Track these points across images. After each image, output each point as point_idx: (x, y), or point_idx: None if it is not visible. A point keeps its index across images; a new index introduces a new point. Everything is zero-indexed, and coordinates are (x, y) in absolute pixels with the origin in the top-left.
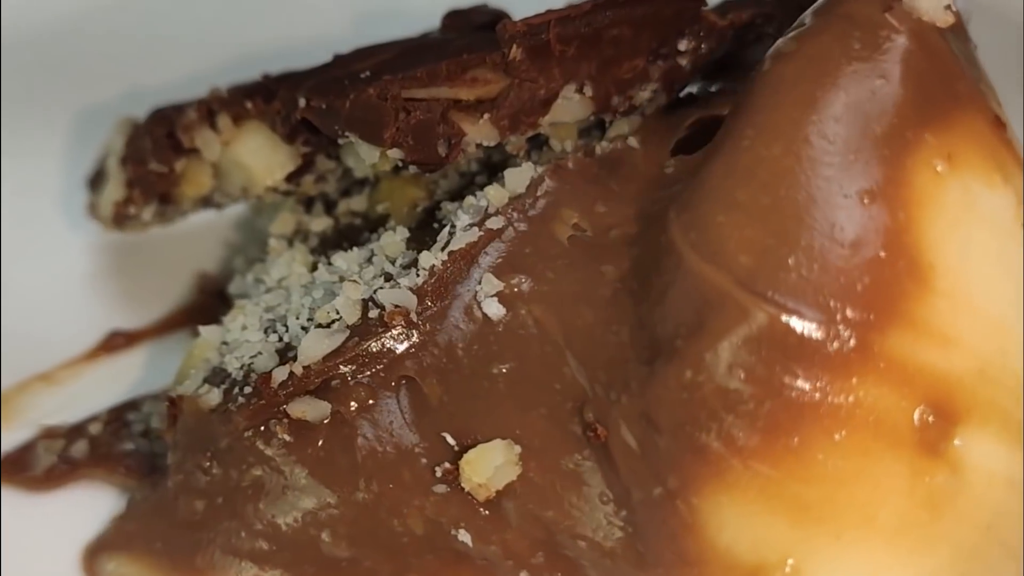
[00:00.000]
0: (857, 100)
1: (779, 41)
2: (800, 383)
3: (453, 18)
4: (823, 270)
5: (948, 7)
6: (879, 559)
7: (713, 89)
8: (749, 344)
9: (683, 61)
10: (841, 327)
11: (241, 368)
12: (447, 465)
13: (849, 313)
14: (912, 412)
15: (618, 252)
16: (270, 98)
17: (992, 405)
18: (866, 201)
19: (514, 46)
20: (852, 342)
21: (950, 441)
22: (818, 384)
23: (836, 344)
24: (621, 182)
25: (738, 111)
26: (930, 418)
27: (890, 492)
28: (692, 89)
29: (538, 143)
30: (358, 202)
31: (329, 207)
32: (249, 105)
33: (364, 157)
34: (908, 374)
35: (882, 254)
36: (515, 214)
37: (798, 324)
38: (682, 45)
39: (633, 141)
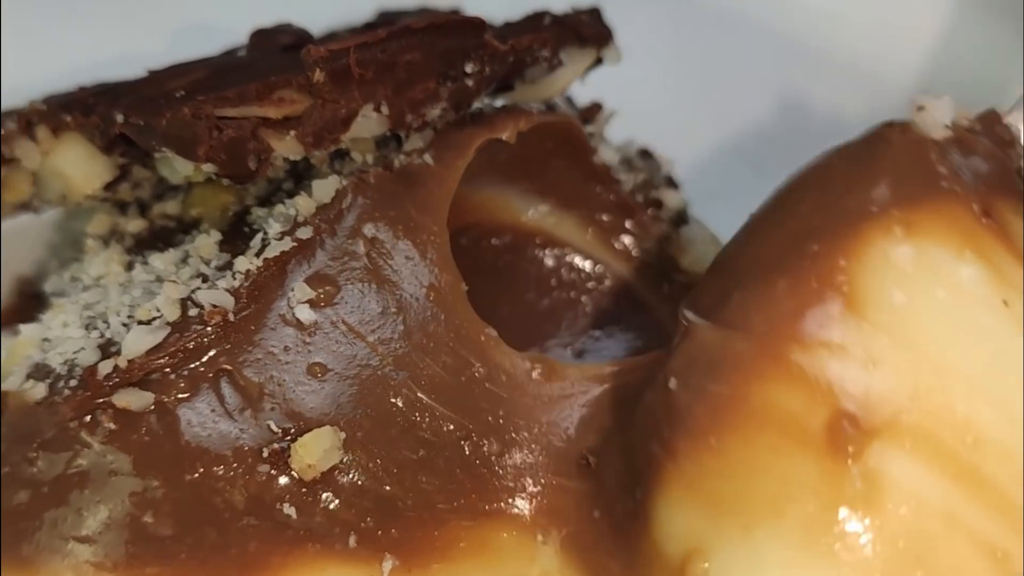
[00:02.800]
0: (839, 186)
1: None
2: (720, 388)
3: (259, 37)
4: (759, 299)
5: (946, 127)
6: (789, 556)
7: (497, 105)
8: (687, 358)
9: (469, 82)
10: (762, 339)
11: (65, 363)
12: (275, 446)
13: (771, 329)
14: (823, 418)
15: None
16: (88, 112)
17: (924, 433)
18: (814, 249)
19: (317, 70)
20: (769, 352)
21: (865, 453)
22: (736, 388)
23: (754, 353)
24: (418, 207)
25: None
26: (846, 426)
27: (798, 489)
28: (479, 105)
29: (340, 154)
30: (171, 206)
31: (143, 210)
32: (68, 118)
33: (179, 169)
34: (821, 384)
35: (814, 285)
36: (323, 224)
37: (724, 337)
38: (468, 68)
39: (428, 157)
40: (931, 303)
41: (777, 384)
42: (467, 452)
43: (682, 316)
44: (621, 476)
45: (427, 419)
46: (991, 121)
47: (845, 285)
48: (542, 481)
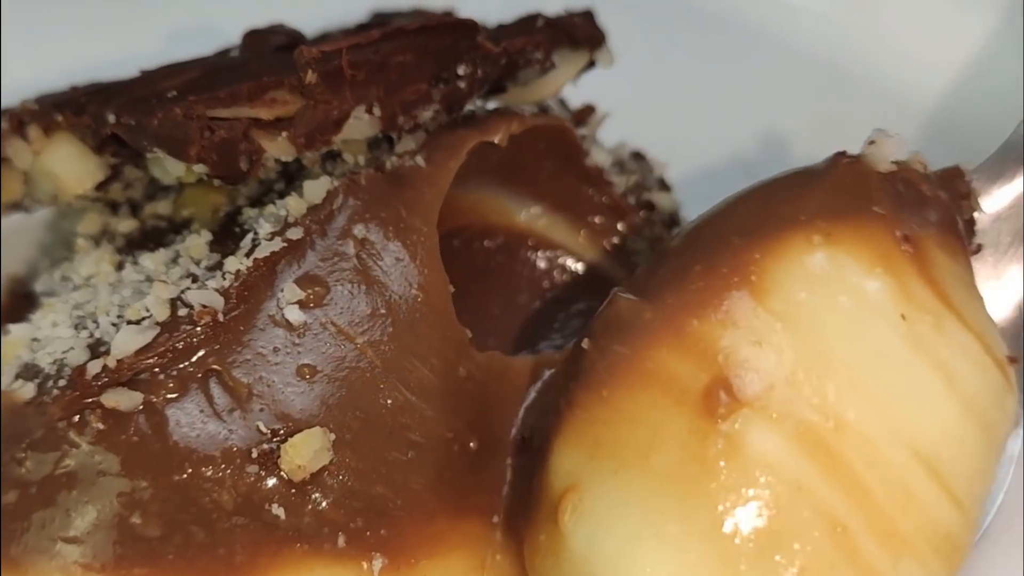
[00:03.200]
0: (779, 195)
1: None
2: (622, 348)
3: (252, 38)
4: (675, 277)
5: (893, 163)
6: (650, 498)
7: (489, 107)
8: (603, 322)
9: (462, 84)
10: (667, 310)
11: (54, 363)
12: (264, 447)
13: (676, 302)
14: (703, 383)
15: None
16: (80, 111)
17: (791, 411)
18: (735, 241)
19: (309, 71)
20: (670, 322)
21: (732, 417)
22: (635, 350)
23: (658, 322)
24: (409, 208)
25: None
26: (721, 393)
27: (667, 441)
28: (471, 107)
29: (332, 155)
30: (163, 206)
31: (134, 210)
32: (59, 118)
33: (171, 170)
34: (707, 353)
35: (724, 270)
36: (313, 225)
37: (633, 305)
38: (461, 70)
39: (420, 159)
40: (830, 304)
41: (670, 350)
42: (455, 450)
43: (614, 292)
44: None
45: (416, 420)
46: (952, 176)
47: (754, 275)
48: (501, 468)
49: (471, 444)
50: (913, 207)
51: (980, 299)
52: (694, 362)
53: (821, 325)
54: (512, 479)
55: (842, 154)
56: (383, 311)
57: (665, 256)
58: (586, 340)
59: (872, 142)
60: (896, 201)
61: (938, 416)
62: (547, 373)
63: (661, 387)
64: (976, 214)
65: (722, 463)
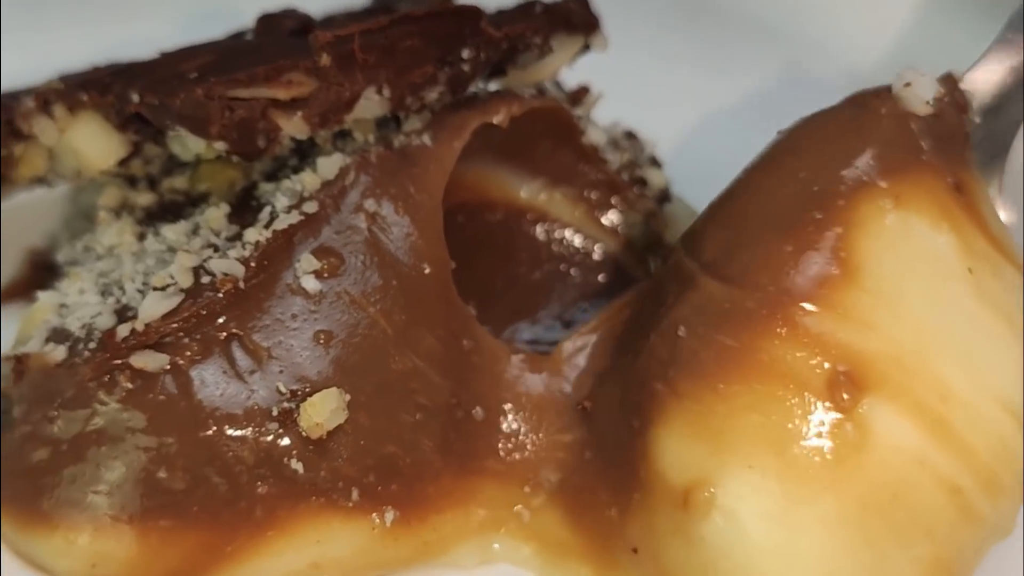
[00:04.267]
0: (833, 147)
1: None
2: (729, 340)
3: (266, 22)
4: (766, 260)
5: (928, 103)
6: (786, 488)
7: (491, 89)
8: (695, 308)
9: (466, 67)
10: (770, 300)
11: (83, 327)
12: (284, 406)
13: (778, 290)
14: (822, 373)
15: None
16: (104, 91)
17: (905, 390)
18: (817, 216)
19: (324, 54)
20: (776, 310)
21: (857, 404)
22: (744, 343)
23: (763, 311)
24: (416, 185)
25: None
26: (842, 380)
27: (797, 432)
28: (474, 89)
29: (342, 133)
30: (180, 181)
31: (152, 184)
32: (84, 97)
33: (191, 147)
34: (822, 343)
35: (816, 250)
36: (327, 199)
37: (732, 293)
38: (465, 54)
39: (426, 138)
40: (913, 270)
41: (783, 341)
42: (458, 416)
43: (683, 261)
44: (615, 410)
45: (423, 385)
46: (951, 86)
47: (843, 251)
48: (531, 438)
49: (474, 412)
50: (949, 146)
51: (999, 218)
52: (810, 352)
53: (911, 295)
54: (569, 452)
55: (876, 95)
56: (394, 282)
57: (733, 225)
58: (681, 328)
59: (907, 84)
60: (937, 144)
61: (1011, 362)
62: (591, 341)
63: (780, 380)
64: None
65: (854, 449)
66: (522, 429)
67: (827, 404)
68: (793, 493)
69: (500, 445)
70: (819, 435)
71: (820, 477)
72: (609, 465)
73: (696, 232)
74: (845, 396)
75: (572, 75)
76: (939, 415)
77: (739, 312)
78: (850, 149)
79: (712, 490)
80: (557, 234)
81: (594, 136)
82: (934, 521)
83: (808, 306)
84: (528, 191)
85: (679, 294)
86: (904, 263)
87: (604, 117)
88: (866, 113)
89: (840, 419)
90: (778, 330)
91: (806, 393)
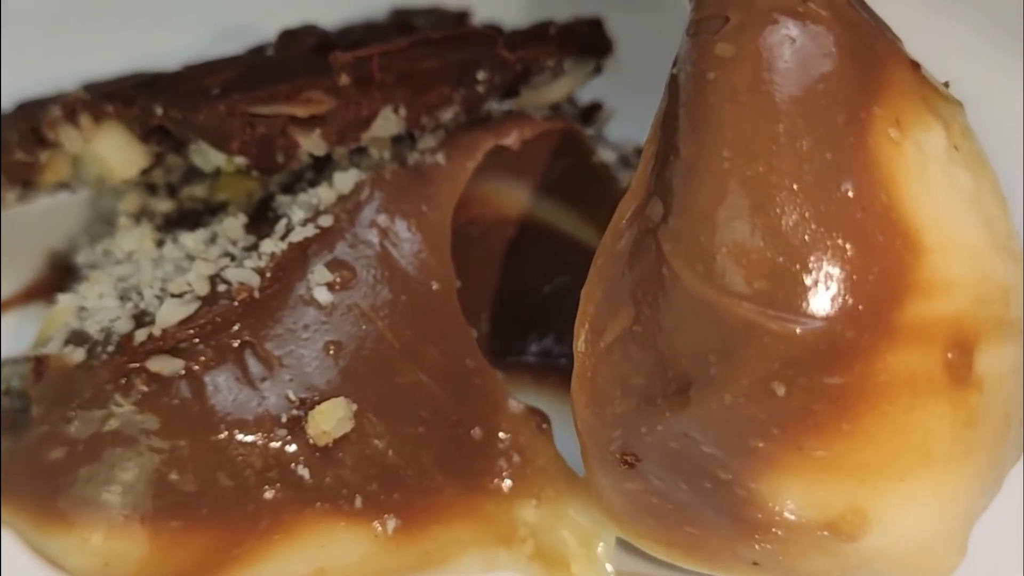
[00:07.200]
0: (812, 95)
1: (703, 42)
2: (838, 379)
3: (286, 38)
4: (832, 274)
5: None
6: (939, 481)
7: (504, 109)
8: (783, 361)
9: (480, 88)
10: (862, 319)
11: (102, 331)
12: (293, 413)
13: (867, 304)
14: (939, 361)
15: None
16: (129, 103)
17: (990, 320)
18: (851, 194)
19: (343, 74)
20: (876, 328)
21: (972, 368)
22: (856, 374)
23: (864, 335)
24: (429, 203)
25: (697, 125)
26: (952, 357)
27: (938, 428)
28: (487, 108)
29: (358, 149)
30: (200, 190)
31: (172, 191)
32: (110, 108)
33: (212, 160)
34: (927, 332)
35: (880, 238)
36: (342, 214)
37: (824, 330)
38: (480, 76)
39: (440, 157)
40: (941, 193)
41: (895, 353)
42: (458, 434)
43: (735, 304)
44: (668, 458)
45: (426, 399)
46: None
47: (893, 211)
48: (531, 466)
49: (473, 432)
50: (882, 26)
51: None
52: (921, 348)
53: (952, 218)
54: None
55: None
56: (403, 297)
57: (776, 244)
58: (779, 385)
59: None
60: (884, 35)
61: (1003, 212)
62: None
63: (907, 390)
64: None
65: (984, 409)
66: (517, 460)
67: (953, 386)
68: (946, 482)
69: (496, 464)
70: (956, 419)
71: (964, 453)
72: (683, 507)
73: (708, 251)
74: (963, 368)
75: (586, 91)
76: (1011, 318)
77: (841, 347)
78: (821, 84)
79: (867, 514)
80: (568, 252)
81: (604, 155)
82: None
83: (900, 303)
84: (540, 208)
85: (746, 348)
86: (934, 190)
87: (616, 133)
88: (799, 25)
89: (967, 394)
90: (887, 345)
91: (933, 389)
